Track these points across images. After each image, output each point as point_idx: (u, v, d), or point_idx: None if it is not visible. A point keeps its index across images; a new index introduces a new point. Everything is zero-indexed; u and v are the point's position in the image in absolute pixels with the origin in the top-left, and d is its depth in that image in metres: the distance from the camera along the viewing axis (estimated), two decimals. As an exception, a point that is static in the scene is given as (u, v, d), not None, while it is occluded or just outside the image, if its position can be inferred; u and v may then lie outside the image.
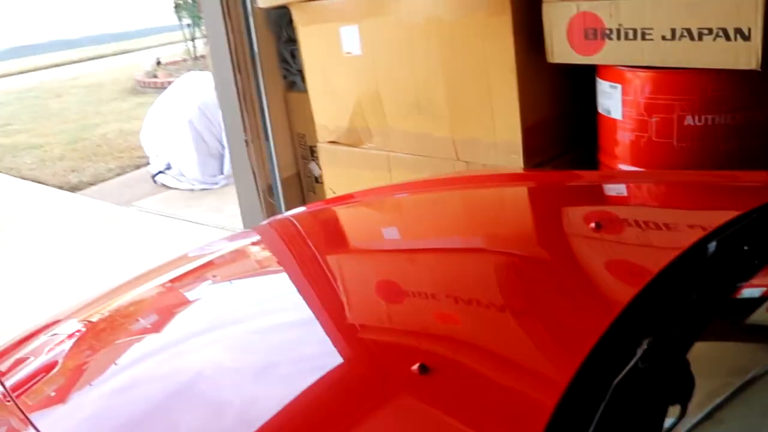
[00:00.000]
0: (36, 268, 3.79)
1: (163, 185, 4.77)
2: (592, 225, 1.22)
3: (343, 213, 1.88)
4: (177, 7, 7.87)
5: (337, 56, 2.60)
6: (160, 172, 4.83)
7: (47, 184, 5.20)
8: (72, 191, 5.01)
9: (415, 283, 1.30)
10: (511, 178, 1.96)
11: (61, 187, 5.10)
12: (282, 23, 3.10)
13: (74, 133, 6.48)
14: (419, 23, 2.31)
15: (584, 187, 1.67)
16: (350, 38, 2.55)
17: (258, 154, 3.29)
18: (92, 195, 4.87)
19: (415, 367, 0.87)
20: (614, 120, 2.08)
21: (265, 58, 3.15)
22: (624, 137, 2.07)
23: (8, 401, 1.10)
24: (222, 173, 4.59)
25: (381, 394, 0.92)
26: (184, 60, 8.46)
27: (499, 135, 2.25)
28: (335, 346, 1.13)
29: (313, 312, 1.28)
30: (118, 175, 5.21)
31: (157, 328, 1.35)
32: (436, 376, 0.87)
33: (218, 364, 1.11)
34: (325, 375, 1.01)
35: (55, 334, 1.37)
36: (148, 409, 1.04)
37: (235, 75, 3.15)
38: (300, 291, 1.39)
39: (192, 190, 4.59)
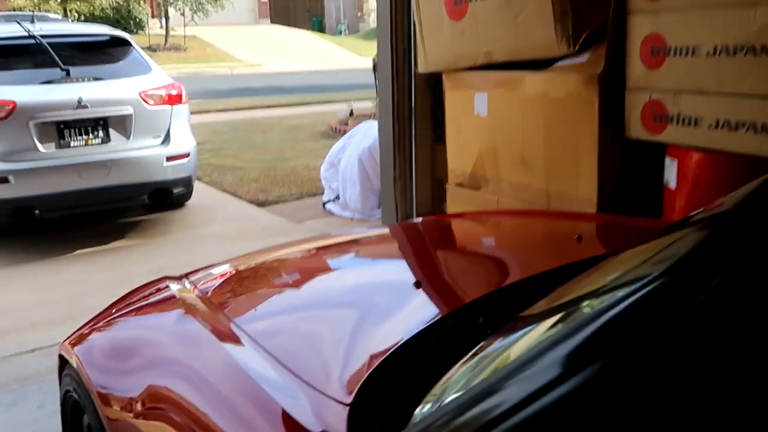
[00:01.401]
0: (224, 254, 4.77)
1: (330, 212, 5.64)
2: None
3: (450, 223, 2.53)
4: (375, 68, 8.97)
5: (470, 116, 3.25)
6: (330, 200, 5.72)
7: (241, 198, 6.29)
8: (259, 206, 6.04)
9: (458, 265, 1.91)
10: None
11: (251, 202, 6.16)
12: (437, 87, 3.81)
13: (270, 163, 7.63)
14: (532, 96, 2.91)
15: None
16: (481, 103, 3.19)
17: (402, 190, 3.98)
18: (273, 211, 5.86)
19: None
20: (672, 189, 2.54)
21: (420, 114, 3.86)
22: (678, 204, 2.52)
23: (204, 299, 1.82)
24: (379, 207, 5.35)
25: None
26: (373, 114, 9.51)
27: (580, 191, 2.76)
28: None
29: (404, 276, 1.90)
30: (297, 199, 6.19)
31: (302, 277, 2.02)
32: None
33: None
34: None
35: (230, 268, 2.12)
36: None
37: (394, 125, 3.89)
38: (403, 263, 2.05)
39: (352, 218, 5.41)
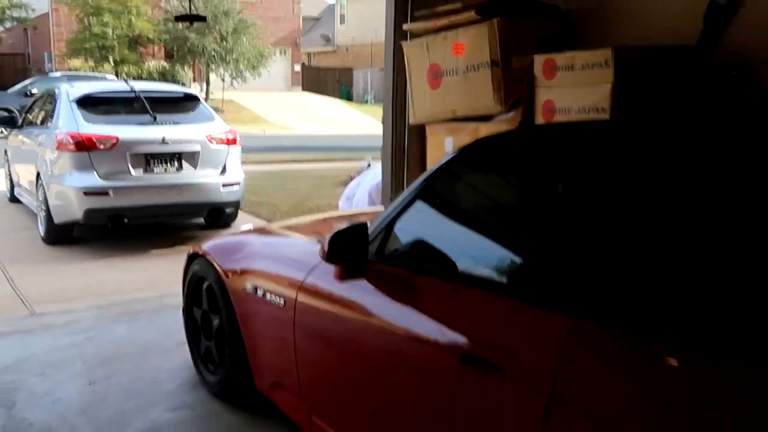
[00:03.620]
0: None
1: (345, 235, 7.14)
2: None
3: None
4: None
5: (442, 153, 4.74)
6: (346, 227, 7.21)
7: (274, 225, 7.84)
8: (289, 230, 7.59)
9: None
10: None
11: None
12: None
13: (297, 201, 9.19)
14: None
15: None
16: (449, 144, 4.71)
17: (398, 209, 5.46)
18: (300, 234, 7.41)
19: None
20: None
21: (412, 155, 5.39)
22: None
23: (275, 227, 3.35)
24: (383, 232, 6.83)
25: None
26: (388, 168, 11.08)
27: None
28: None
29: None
30: (320, 226, 7.73)
31: (317, 223, 3.57)
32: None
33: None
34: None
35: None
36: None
37: (392, 163, 5.41)
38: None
39: (362, 240, 6.89)
